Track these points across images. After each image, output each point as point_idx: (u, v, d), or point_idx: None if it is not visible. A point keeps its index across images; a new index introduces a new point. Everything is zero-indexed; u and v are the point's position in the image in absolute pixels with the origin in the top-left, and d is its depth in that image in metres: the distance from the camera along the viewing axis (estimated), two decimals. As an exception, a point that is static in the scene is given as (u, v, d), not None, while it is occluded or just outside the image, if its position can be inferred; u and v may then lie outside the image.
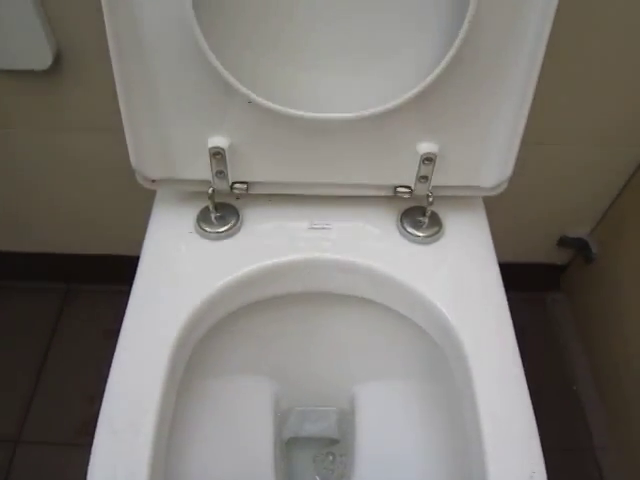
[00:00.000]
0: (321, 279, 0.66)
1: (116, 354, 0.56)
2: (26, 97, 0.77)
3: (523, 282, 1.14)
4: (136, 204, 0.80)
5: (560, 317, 1.14)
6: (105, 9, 0.50)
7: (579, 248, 1.03)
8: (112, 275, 1.09)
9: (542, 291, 1.17)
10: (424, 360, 0.71)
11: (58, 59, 0.71)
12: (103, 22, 0.50)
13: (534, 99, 0.56)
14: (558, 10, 0.50)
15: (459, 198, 0.67)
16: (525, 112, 0.57)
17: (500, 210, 0.83)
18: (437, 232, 0.65)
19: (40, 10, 0.66)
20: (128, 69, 0.54)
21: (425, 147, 0.59)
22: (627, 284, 0.95)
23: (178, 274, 0.62)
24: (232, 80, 0.52)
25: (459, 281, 0.63)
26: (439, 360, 0.63)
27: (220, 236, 0.65)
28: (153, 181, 0.64)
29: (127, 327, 0.59)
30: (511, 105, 0.57)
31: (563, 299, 1.15)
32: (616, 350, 0.99)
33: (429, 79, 0.52)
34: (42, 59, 0.69)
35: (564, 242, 1.03)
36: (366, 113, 0.54)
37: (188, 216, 0.67)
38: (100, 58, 0.65)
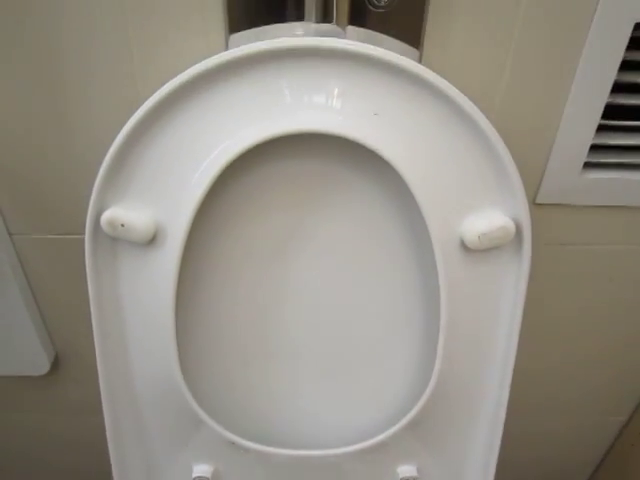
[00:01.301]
0: None
1: None
2: (21, 392, 0.80)
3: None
4: None
5: None
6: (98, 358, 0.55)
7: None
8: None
9: None
10: None
11: (55, 363, 0.75)
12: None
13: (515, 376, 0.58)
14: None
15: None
16: (498, 437, 0.60)
17: None
18: None
19: (37, 319, 0.70)
20: (115, 409, 0.57)
21: (404, 470, 0.61)
22: None
23: None
24: (217, 427, 0.55)
25: None
26: None
27: None
28: (137, 498, 0.64)
29: None
30: (484, 431, 0.60)
31: None
32: None
33: (406, 419, 0.55)
34: (40, 366, 0.73)
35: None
36: (353, 449, 0.56)
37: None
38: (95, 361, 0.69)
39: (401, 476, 0.61)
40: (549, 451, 0.94)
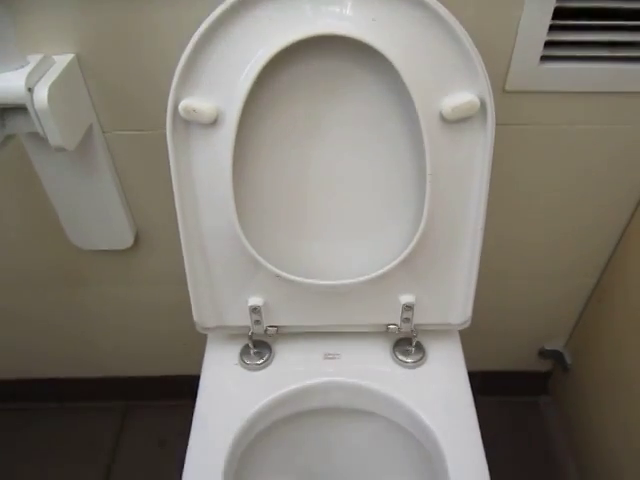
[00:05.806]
0: (334, 398, 0.87)
1: (187, 457, 0.78)
2: (104, 265, 1.03)
3: (518, 388, 1.32)
4: (186, 337, 1.04)
5: (550, 419, 1.30)
6: (179, 216, 0.75)
7: (556, 359, 1.21)
8: (167, 392, 1.31)
9: (535, 395, 1.34)
10: (416, 461, 0.88)
11: (136, 238, 0.97)
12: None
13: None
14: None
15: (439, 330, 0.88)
16: (474, 275, 0.79)
17: (485, 325, 1.04)
18: (421, 359, 0.86)
19: (124, 200, 0.91)
20: (192, 256, 0.78)
21: (405, 298, 0.82)
22: (602, 389, 1.12)
23: (228, 397, 0.84)
24: (266, 264, 0.75)
25: (438, 397, 0.82)
26: (427, 460, 0.82)
27: (257, 367, 0.87)
28: (207, 328, 0.86)
29: (193, 439, 0.80)
30: (464, 269, 0.79)
31: (552, 402, 1.31)
32: (601, 450, 1.13)
33: (406, 252, 0.75)
34: (124, 241, 0.94)
35: (543, 354, 1.22)
36: (365, 278, 0.76)
37: (233, 351, 0.89)
38: (170, 235, 0.90)
39: (402, 302, 0.81)
40: (536, 309, 1.13)
